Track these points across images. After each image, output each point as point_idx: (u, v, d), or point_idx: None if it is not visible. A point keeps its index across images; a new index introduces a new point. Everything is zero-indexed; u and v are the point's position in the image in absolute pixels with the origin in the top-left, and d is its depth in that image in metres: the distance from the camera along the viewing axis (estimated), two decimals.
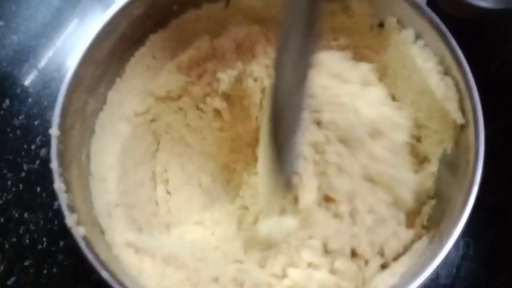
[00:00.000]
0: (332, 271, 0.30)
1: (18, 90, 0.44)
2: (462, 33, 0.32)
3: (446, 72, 0.30)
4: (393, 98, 0.34)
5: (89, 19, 0.47)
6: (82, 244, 0.28)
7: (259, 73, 0.36)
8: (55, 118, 0.30)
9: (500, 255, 0.38)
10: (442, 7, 0.44)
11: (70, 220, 0.28)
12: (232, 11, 0.37)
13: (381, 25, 0.31)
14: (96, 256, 0.28)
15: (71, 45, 0.46)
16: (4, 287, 0.36)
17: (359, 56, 0.34)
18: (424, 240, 0.30)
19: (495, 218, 0.39)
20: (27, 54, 0.46)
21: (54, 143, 0.30)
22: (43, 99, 0.43)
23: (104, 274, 0.27)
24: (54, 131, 0.30)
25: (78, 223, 0.28)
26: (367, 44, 0.34)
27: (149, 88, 0.37)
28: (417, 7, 0.30)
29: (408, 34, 0.31)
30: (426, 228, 0.31)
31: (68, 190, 0.29)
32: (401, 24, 0.31)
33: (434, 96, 0.30)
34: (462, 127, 0.29)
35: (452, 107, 0.29)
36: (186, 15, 0.37)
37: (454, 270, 0.37)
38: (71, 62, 0.32)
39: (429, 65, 0.29)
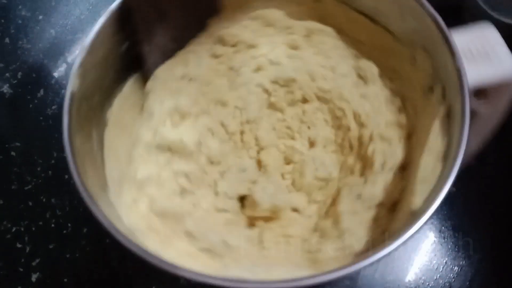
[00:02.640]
0: None
1: (53, 81, 0.46)
2: None
3: (445, 158, 0.26)
4: None
5: None
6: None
7: None
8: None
9: (500, 255, 0.38)
10: (468, 24, 0.44)
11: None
12: None
13: (431, 89, 0.28)
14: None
15: None
16: (29, 267, 0.37)
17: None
18: None
19: (496, 217, 0.39)
20: (63, 48, 0.48)
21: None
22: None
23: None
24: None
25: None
26: (412, 99, 0.31)
27: None
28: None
29: (442, 110, 0.27)
30: None
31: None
32: (444, 97, 0.28)
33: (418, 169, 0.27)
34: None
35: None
36: None
37: (463, 263, 0.38)
38: None
39: (437, 144, 0.26)
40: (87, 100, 0.27)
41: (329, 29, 0.32)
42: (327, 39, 0.32)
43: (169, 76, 0.32)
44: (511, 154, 0.41)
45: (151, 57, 0.32)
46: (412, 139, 0.29)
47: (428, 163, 0.25)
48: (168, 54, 0.33)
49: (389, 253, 0.20)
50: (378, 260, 0.20)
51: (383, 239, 0.24)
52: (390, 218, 0.27)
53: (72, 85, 0.25)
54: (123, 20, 0.29)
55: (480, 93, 0.27)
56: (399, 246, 0.20)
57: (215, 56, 0.33)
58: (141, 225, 0.26)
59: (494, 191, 0.40)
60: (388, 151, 0.28)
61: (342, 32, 0.32)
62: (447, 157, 0.24)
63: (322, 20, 0.32)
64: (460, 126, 0.23)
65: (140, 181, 0.29)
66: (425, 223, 0.21)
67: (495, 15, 0.40)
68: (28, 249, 0.38)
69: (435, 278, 0.38)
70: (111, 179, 0.28)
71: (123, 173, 0.29)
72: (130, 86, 0.32)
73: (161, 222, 0.27)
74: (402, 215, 0.25)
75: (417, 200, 0.24)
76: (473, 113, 0.28)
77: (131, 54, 0.32)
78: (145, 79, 0.33)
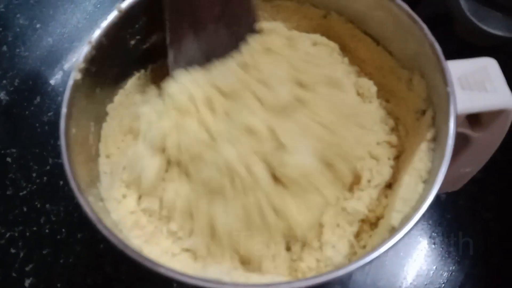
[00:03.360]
0: None
1: (49, 89, 0.47)
2: None
3: (427, 180, 0.26)
4: None
5: None
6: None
7: None
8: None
9: (491, 259, 0.39)
10: (460, 35, 0.46)
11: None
12: None
13: (423, 113, 0.29)
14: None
15: None
16: (23, 272, 0.38)
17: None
18: None
19: (487, 221, 0.40)
20: (60, 56, 0.49)
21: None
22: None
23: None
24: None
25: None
26: (405, 121, 0.31)
27: None
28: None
29: (430, 133, 0.28)
30: None
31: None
32: (434, 121, 0.28)
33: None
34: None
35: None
36: None
37: (453, 268, 0.39)
38: None
39: (421, 166, 0.26)
40: (88, 94, 0.27)
41: (333, 44, 0.32)
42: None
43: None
44: (502, 158, 0.42)
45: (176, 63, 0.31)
46: (400, 158, 0.29)
47: (411, 182, 0.26)
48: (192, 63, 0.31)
49: (364, 266, 0.21)
50: (353, 271, 0.21)
51: (363, 253, 0.25)
52: (371, 234, 0.28)
53: (74, 78, 0.26)
54: (132, 19, 0.29)
55: (473, 119, 0.29)
56: (373, 260, 0.21)
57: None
58: (127, 221, 0.27)
59: (484, 196, 0.41)
60: (375, 169, 0.29)
61: (345, 49, 0.33)
62: (429, 179, 0.25)
63: (328, 36, 0.33)
64: (444, 150, 0.24)
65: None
66: (402, 238, 0.22)
67: (482, 26, 0.41)
68: (22, 254, 0.38)
69: (425, 283, 0.38)
70: (104, 173, 0.29)
71: (116, 168, 0.29)
72: (133, 83, 0.32)
73: (147, 220, 0.28)
74: (383, 230, 0.26)
75: (396, 217, 0.24)
76: (466, 139, 0.30)
77: (137, 53, 0.32)
78: (154, 74, 0.33)
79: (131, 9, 0.28)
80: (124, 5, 0.28)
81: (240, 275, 0.24)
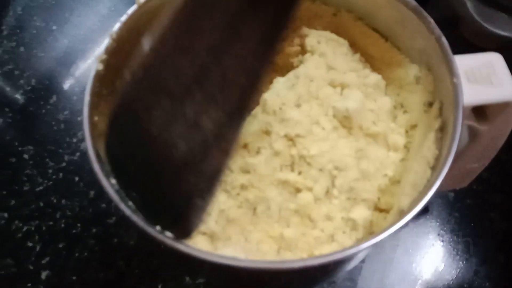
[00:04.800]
0: None
1: (65, 88, 0.48)
2: None
3: (434, 166, 0.27)
4: None
5: None
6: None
7: None
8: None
9: (499, 257, 0.39)
10: (465, 36, 0.46)
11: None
12: None
13: (430, 105, 0.30)
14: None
15: None
16: (39, 265, 0.39)
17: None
18: None
19: (494, 220, 0.41)
20: (75, 57, 0.50)
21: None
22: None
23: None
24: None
25: None
26: (414, 114, 0.31)
27: None
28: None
29: (438, 123, 0.28)
30: None
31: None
32: (440, 112, 0.29)
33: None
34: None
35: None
36: None
37: (461, 265, 0.39)
38: None
39: (429, 154, 0.27)
40: (109, 84, 0.28)
41: (343, 41, 0.33)
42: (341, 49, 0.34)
43: None
44: (507, 158, 0.43)
45: None
46: (410, 149, 0.30)
47: (419, 169, 0.26)
48: None
49: (375, 244, 0.21)
50: (362, 251, 0.21)
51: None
52: (382, 219, 0.28)
53: (96, 69, 0.27)
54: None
55: (480, 112, 0.29)
56: (383, 240, 0.22)
57: None
58: None
59: (491, 195, 0.42)
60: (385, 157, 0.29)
61: (355, 46, 0.34)
62: (436, 166, 0.26)
63: (338, 33, 0.34)
64: (451, 139, 0.25)
65: None
66: (411, 220, 0.22)
67: (488, 27, 0.42)
68: (38, 247, 0.39)
69: (434, 280, 0.38)
70: None
71: None
72: None
73: None
74: (393, 216, 0.26)
75: (405, 200, 0.25)
76: (473, 133, 0.30)
77: None
78: None
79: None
80: (142, 0, 0.29)
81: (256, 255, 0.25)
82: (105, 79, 0.27)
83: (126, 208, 0.21)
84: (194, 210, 0.20)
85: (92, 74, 0.26)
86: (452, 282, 0.38)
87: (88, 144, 0.24)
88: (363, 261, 0.39)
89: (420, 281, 0.38)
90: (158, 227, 0.21)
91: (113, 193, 0.22)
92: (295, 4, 0.21)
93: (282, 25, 0.20)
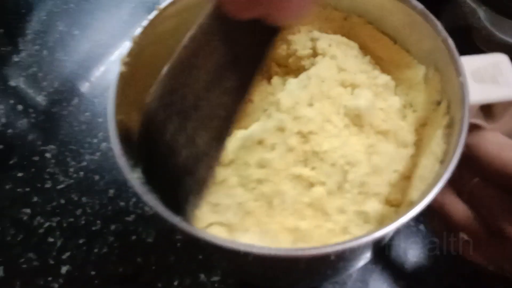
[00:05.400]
0: None
1: (86, 90, 0.50)
2: None
3: (443, 160, 0.28)
4: None
5: None
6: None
7: None
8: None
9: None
10: (477, 44, 0.47)
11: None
12: None
13: (438, 103, 0.31)
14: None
15: None
16: (59, 260, 0.40)
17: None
18: None
19: None
20: (97, 60, 0.52)
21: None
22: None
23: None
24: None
25: None
26: (423, 113, 0.32)
27: None
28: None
29: (445, 120, 0.29)
30: None
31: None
32: (448, 110, 0.30)
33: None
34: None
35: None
36: None
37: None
38: None
39: (438, 149, 0.28)
40: (132, 85, 0.29)
41: (353, 44, 0.34)
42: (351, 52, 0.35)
43: None
44: None
45: None
46: (419, 146, 0.31)
47: (428, 164, 0.27)
48: None
49: (383, 236, 0.22)
50: (372, 241, 0.22)
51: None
52: (393, 213, 0.29)
53: (120, 71, 0.28)
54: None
55: (487, 111, 0.30)
56: (392, 230, 0.22)
57: None
58: None
59: None
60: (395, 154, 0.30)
61: (364, 49, 0.35)
62: (444, 160, 0.27)
63: (349, 36, 0.35)
64: (459, 134, 0.25)
65: None
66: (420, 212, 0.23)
67: (500, 35, 0.42)
68: (59, 243, 0.41)
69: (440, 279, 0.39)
70: None
71: None
72: None
73: None
74: (403, 210, 0.27)
75: (415, 193, 0.26)
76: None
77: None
78: None
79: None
80: (162, 5, 0.30)
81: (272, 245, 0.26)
82: (127, 80, 0.28)
83: (151, 200, 0.23)
84: (188, 205, 0.25)
85: (116, 75, 0.28)
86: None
87: (113, 138, 0.25)
88: (374, 262, 0.40)
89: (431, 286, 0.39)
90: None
91: (138, 186, 0.23)
92: (266, 58, 0.26)
93: (255, 71, 0.26)
